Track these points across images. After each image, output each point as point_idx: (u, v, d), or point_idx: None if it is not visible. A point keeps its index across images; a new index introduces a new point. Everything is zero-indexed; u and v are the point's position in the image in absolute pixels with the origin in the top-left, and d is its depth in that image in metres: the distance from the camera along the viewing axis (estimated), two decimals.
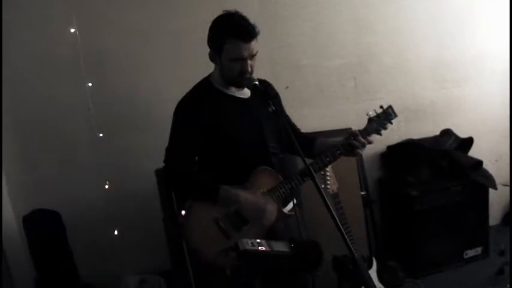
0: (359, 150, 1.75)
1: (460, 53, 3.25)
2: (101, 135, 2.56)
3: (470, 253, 3.04)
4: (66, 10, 2.46)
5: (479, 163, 2.98)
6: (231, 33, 1.65)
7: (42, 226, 2.21)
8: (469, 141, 3.10)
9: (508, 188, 3.34)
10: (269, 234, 1.76)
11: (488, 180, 2.95)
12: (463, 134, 3.16)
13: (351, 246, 1.54)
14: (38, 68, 2.49)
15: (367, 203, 2.98)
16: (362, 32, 3.07)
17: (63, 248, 2.28)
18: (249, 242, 1.22)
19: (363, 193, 2.97)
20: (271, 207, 1.72)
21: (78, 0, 2.49)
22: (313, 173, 1.49)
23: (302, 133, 2.00)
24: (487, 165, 3.06)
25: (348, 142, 1.74)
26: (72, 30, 2.48)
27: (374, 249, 2.99)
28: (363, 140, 1.74)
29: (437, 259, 2.95)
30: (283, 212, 1.80)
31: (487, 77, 3.34)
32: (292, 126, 1.99)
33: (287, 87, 2.93)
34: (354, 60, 3.07)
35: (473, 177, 2.93)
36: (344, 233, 1.49)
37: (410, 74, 3.19)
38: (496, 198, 3.22)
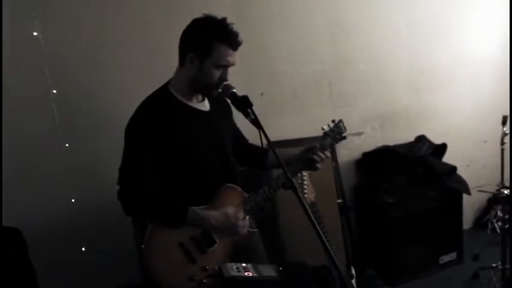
0: (318, 165, 1.75)
1: (433, 59, 3.29)
2: (67, 145, 2.42)
3: (445, 258, 3.07)
4: (28, 11, 2.31)
5: (454, 169, 3.01)
6: (223, 39, 1.57)
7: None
8: (442, 147, 3.13)
9: (479, 193, 3.40)
10: (233, 253, 1.70)
11: (463, 186, 2.98)
12: (436, 139, 3.20)
13: (334, 257, 1.49)
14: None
15: (343, 210, 2.95)
16: (338, 38, 3.05)
17: (24, 267, 2.12)
18: (234, 267, 1.12)
19: (339, 201, 2.94)
20: (241, 219, 1.68)
21: (42, 2, 2.35)
22: (295, 185, 1.44)
23: (251, 144, 1.96)
24: (459, 171, 3.10)
25: (308, 157, 1.73)
26: (35, 33, 2.33)
27: (351, 258, 2.96)
28: (322, 154, 1.74)
29: (414, 266, 2.96)
30: (248, 229, 1.75)
31: (460, 84, 3.40)
32: (242, 137, 1.96)
33: (262, 93, 2.88)
34: (330, 67, 3.05)
35: (448, 183, 2.95)
36: (327, 244, 1.45)
37: (385, 80, 3.20)
38: (468, 203, 3.25)
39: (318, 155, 1.73)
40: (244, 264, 1.17)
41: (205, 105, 1.74)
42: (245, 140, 1.98)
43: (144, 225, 1.69)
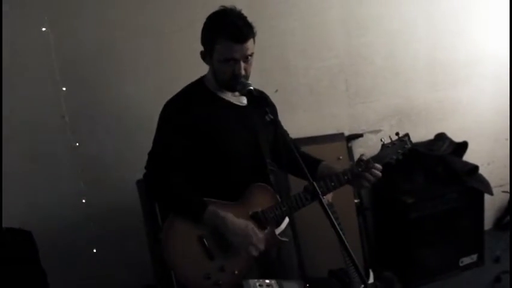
0: (366, 183, 1.62)
1: (453, 55, 3.17)
2: (77, 144, 2.36)
3: (465, 260, 2.96)
4: (36, 7, 2.25)
5: (475, 168, 2.90)
6: (223, 33, 1.50)
7: (11, 247, 1.99)
8: (463, 146, 3.02)
9: (500, 192, 3.29)
10: (261, 258, 1.61)
11: (485, 186, 2.87)
12: (455, 137, 3.09)
13: (356, 261, 1.41)
14: (5, 71, 2.26)
15: (360, 211, 2.87)
16: (354, 32, 2.94)
17: (35, 270, 2.07)
18: (257, 284, 1.03)
19: (356, 201, 2.86)
20: (259, 239, 1.55)
21: None
22: (322, 198, 1.34)
23: (304, 152, 1.83)
24: (480, 169, 2.99)
25: (358, 171, 1.60)
26: (44, 29, 2.27)
27: (368, 259, 2.89)
28: (377, 165, 1.61)
29: (433, 268, 2.86)
30: (276, 236, 1.64)
31: (480, 80, 3.28)
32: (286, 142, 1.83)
33: (276, 90, 2.79)
34: (346, 62, 2.95)
35: (470, 183, 2.85)
36: (349, 249, 1.36)
37: (403, 76, 3.09)
38: (488, 203, 3.14)
39: (370, 167, 1.60)
40: (267, 281, 1.09)
41: (241, 100, 1.66)
42: (289, 149, 1.83)
43: (155, 218, 1.63)
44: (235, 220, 1.54)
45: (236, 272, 1.56)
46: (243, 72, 1.54)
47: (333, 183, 1.61)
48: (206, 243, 1.54)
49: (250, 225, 1.55)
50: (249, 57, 1.55)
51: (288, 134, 1.83)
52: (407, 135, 1.71)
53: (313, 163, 1.75)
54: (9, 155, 2.27)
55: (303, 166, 1.37)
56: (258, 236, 1.54)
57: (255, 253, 1.54)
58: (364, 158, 1.63)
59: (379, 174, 1.63)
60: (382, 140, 1.68)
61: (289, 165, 1.68)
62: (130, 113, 2.45)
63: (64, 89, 2.34)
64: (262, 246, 1.55)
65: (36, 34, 2.27)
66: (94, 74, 2.42)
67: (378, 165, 1.63)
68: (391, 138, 1.69)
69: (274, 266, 1.70)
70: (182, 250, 1.54)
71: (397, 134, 1.69)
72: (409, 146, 1.70)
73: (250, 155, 1.63)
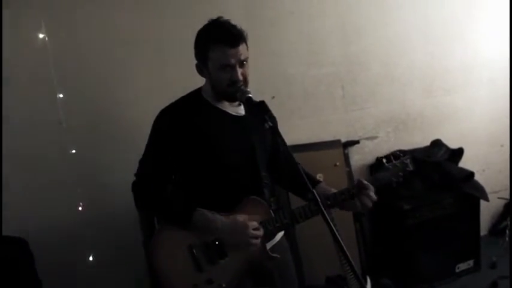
0: (358, 204, 1.57)
1: (449, 62, 3.20)
2: (74, 151, 2.36)
3: (462, 266, 2.97)
4: (34, 13, 2.25)
5: (471, 174, 2.92)
6: (215, 39, 1.49)
7: (5, 256, 1.97)
8: (459, 152, 3.04)
9: (495, 198, 3.31)
10: (254, 273, 1.60)
11: (480, 192, 2.89)
12: (451, 143, 3.11)
13: (355, 267, 1.40)
14: (2, 77, 2.25)
15: (357, 217, 2.87)
16: (350, 39, 2.96)
17: (31, 279, 2.05)
18: None
19: None
20: (253, 227, 1.51)
21: (49, 3, 2.28)
22: (322, 207, 1.32)
23: (304, 169, 1.74)
24: (475, 175, 3.00)
25: (354, 192, 1.56)
26: (41, 35, 2.27)
27: (365, 266, 2.88)
28: (370, 193, 1.55)
29: (430, 274, 2.86)
30: (266, 252, 1.60)
31: (475, 86, 3.30)
32: (285, 157, 1.78)
33: (273, 97, 2.80)
34: (342, 69, 2.97)
35: (466, 190, 2.86)
36: (349, 256, 1.35)
37: (399, 83, 3.11)
38: (484, 209, 3.16)
39: (367, 188, 1.54)
40: None
41: (239, 111, 1.65)
42: (289, 161, 1.72)
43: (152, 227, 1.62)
44: (224, 219, 1.53)
45: (224, 285, 1.53)
46: (240, 77, 1.52)
47: (328, 202, 1.59)
48: (195, 253, 1.53)
49: (239, 218, 1.52)
50: (244, 62, 1.54)
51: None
52: (409, 157, 1.64)
53: (312, 182, 1.69)
54: (5, 162, 2.25)
55: (305, 178, 1.37)
56: (252, 224, 1.52)
57: (256, 242, 1.51)
58: (362, 181, 1.58)
59: (374, 197, 1.57)
60: (384, 160, 1.62)
61: (287, 179, 1.68)
62: (127, 119, 2.45)
63: (61, 95, 2.33)
64: (260, 233, 1.52)
65: (34, 40, 2.27)
66: (91, 81, 2.41)
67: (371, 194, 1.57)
68: (391, 157, 1.62)
69: (273, 278, 1.66)
70: (171, 259, 1.53)
71: (398, 151, 1.65)
72: (411, 168, 1.62)
73: (245, 167, 1.61)
